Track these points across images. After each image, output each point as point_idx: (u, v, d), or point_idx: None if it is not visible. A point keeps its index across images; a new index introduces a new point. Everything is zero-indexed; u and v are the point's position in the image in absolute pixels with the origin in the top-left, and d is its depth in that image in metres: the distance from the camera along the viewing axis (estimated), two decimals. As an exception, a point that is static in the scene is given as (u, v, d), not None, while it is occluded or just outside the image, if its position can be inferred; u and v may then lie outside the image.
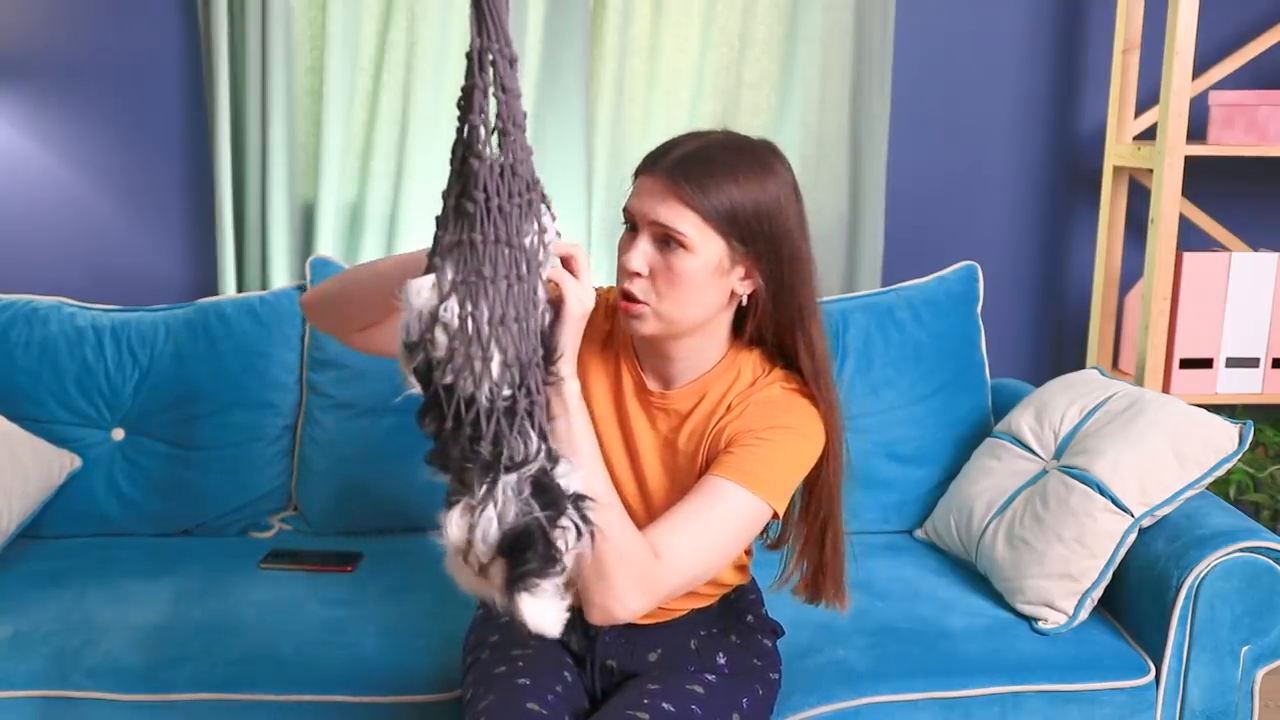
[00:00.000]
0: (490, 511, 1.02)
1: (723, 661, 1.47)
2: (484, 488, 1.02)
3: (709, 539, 1.29)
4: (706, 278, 1.29)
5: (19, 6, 2.34)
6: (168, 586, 1.89)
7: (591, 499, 1.07)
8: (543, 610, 1.03)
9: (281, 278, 2.35)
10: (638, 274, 1.30)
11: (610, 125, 2.39)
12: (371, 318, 1.35)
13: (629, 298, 1.31)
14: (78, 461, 2.10)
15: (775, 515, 1.33)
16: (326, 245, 2.37)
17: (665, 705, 1.36)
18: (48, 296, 2.21)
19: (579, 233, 2.40)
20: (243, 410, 2.13)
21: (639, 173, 1.32)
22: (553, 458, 1.05)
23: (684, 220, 1.26)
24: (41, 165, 2.40)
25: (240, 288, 2.39)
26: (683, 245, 1.27)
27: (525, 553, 1.02)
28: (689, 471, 1.39)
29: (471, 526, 1.02)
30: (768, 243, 1.30)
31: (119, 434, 2.14)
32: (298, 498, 2.19)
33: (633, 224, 1.32)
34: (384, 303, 1.25)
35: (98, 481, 2.11)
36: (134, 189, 2.43)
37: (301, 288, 2.21)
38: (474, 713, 1.35)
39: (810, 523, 1.43)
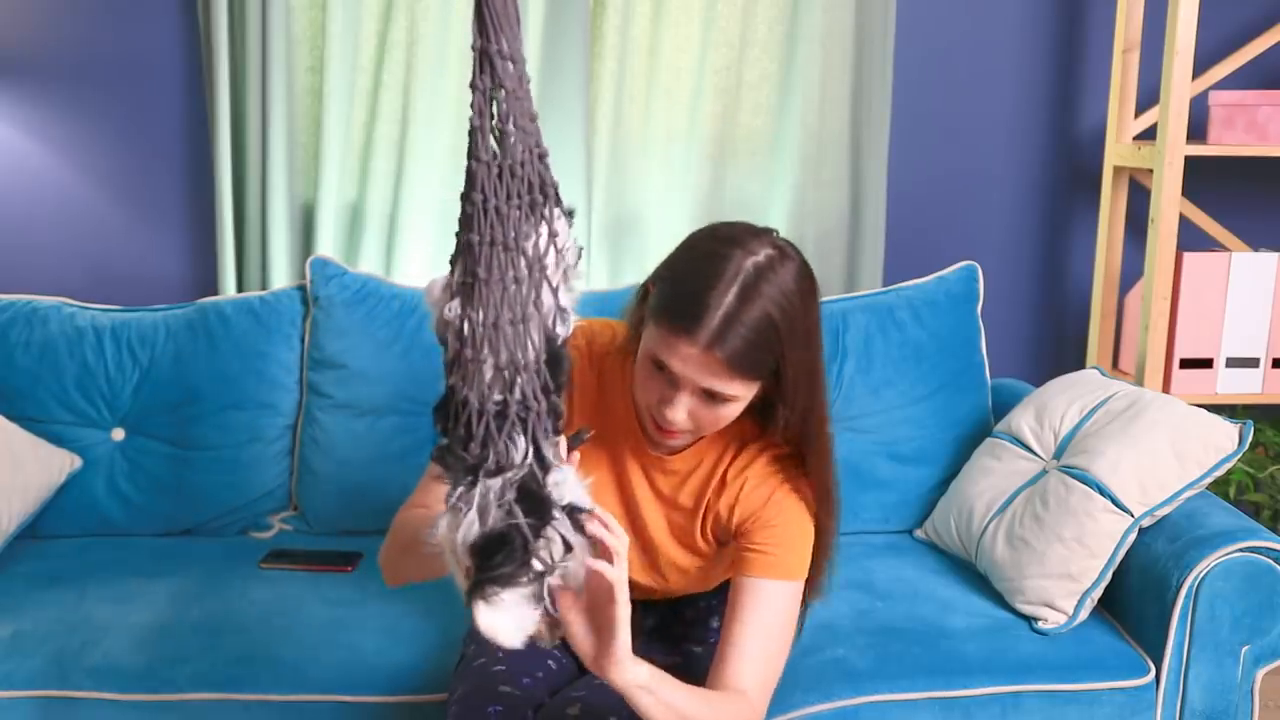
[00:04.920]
0: (471, 514, 1.02)
1: (715, 626, 1.52)
2: (463, 489, 1.02)
3: (774, 644, 1.33)
4: (742, 406, 1.30)
5: (19, 6, 2.34)
6: (168, 586, 1.89)
7: (587, 511, 1.06)
8: (496, 620, 1.02)
9: (281, 278, 2.35)
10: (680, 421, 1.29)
11: (610, 125, 2.39)
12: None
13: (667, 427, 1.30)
14: (78, 461, 2.10)
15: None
16: (326, 245, 2.37)
17: (657, 657, 1.37)
18: (48, 296, 2.21)
19: (580, 232, 2.39)
20: (242, 410, 2.13)
21: (675, 329, 1.23)
22: (545, 465, 1.03)
23: (731, 386, 1.25)
24: (41, 165, 2.40)
25: (240, 288, 2.39)
26: (729, 400, 1.27)
27: (495, 557, 1.01)
28: (689, 529, 1.42)
29: (455, 526, 1.03)
30: (794, 365, 1.29)
31: (119, 434, 2.14)
32: (298, 498, 2.19)
33: (666, 368, 1.27)
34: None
35: (98, 481, 2.11)
36: (134, 189, 2.43)
37: (301, 288, 2.21)
38: (449, 704, 1.38)
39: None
